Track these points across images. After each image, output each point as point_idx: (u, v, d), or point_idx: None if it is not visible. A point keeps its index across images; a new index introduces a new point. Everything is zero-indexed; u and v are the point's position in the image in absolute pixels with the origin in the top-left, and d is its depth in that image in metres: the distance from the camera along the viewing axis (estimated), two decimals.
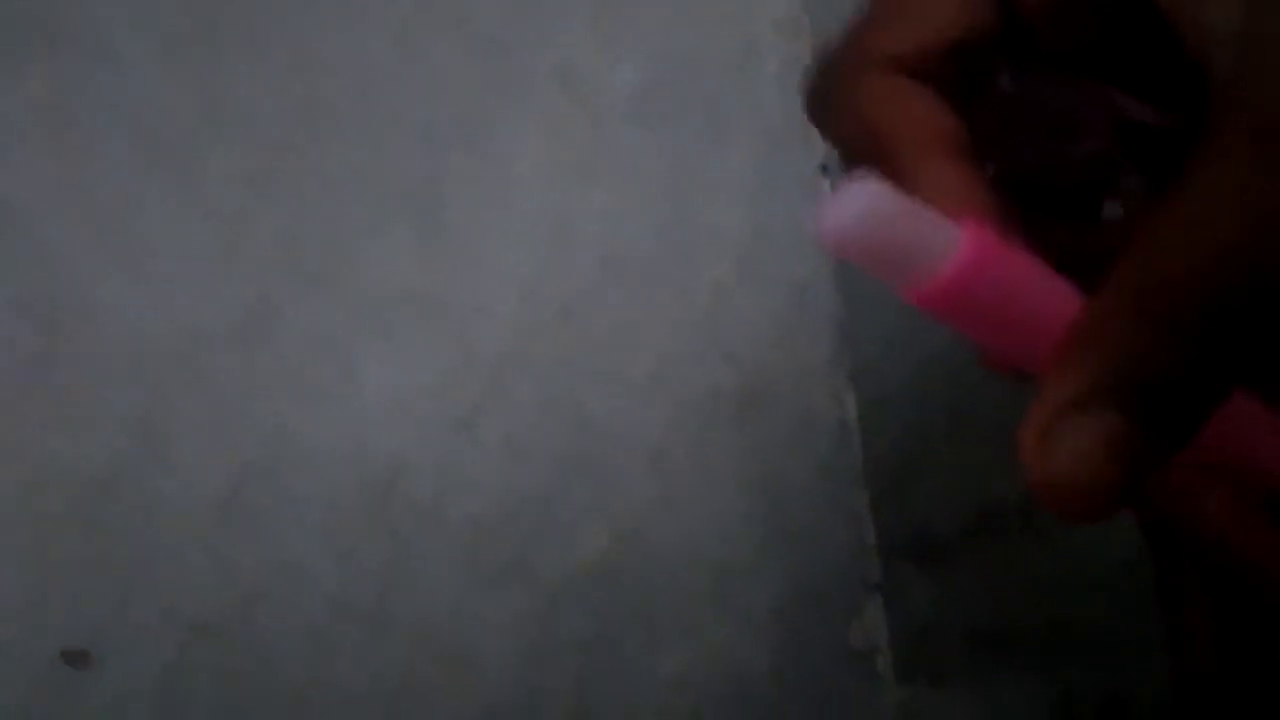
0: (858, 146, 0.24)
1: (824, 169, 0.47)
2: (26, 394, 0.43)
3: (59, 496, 0.43)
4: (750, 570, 0.44)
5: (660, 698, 0.44)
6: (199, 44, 0.46)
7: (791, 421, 0.46)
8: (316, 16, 0.46)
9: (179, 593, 0.42)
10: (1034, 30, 0.24)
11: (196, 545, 0.43)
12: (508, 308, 0.45)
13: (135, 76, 0.45)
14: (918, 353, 0.46)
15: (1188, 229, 0.19)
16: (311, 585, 0.43)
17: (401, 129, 0.46)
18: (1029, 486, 0.20)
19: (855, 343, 0.46)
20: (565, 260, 0.46)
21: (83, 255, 0.44)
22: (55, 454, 0.43)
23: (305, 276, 0.45)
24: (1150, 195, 0.26)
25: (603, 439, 0.45)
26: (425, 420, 0.44)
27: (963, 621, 0.44)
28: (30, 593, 0.42)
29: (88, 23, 0.46)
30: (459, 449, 0.44)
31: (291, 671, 0.42)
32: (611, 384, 0.45)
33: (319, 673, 0.43)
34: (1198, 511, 0.22)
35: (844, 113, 0.25)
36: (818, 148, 0.47)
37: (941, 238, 0.20)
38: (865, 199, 0.20)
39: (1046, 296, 0.22)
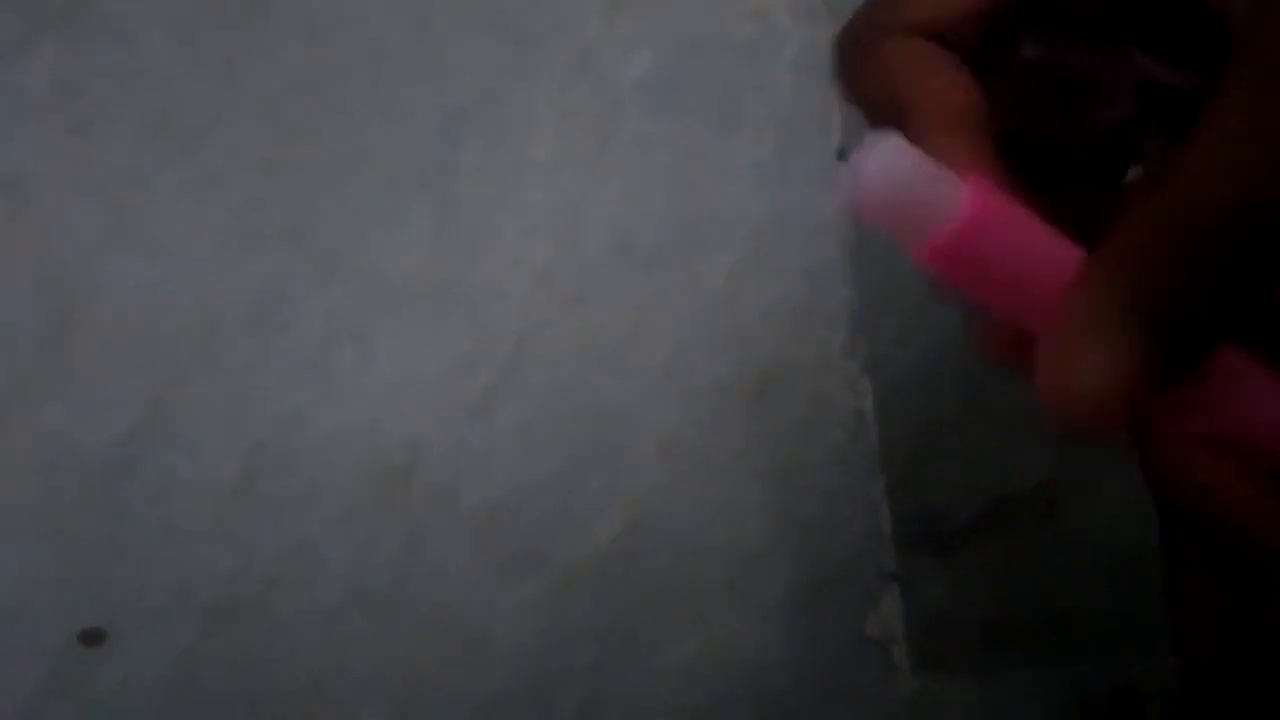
0: (879, 111, 0.25)
1: (840, 155, 0.47)
2: (41, 376, 0.43)
3: (74, 478, 0.43)
4: (764, 558, 0.44)
5: (673, 685, 0.44)
6: (213, 24, 0.46)
7: (806, 410, 0.45)
8: None
9: (194, 575, 0.42)
10: None
11: (212, 528, 0.43)
12: (522, 293, 0.45)
13: (149, 57, 0.45)
14: (934, 341, 0.46)
15: (1211, 159, 0.19)
16: (326, 569, 0.43)
17: (416, 113, 0.46)
18: (1039, 396, 0.21)
19: (871, 331, 0.46)
20: (579, 246, 0.46)
21: (96, 236, 0.44)
22: (70, 436, 0.43)
23: (319, 260, 0.45)
24: None
25: (616, 426, 0.45)
26: (439, 406, 0.44)
27: (978, 612, 0.44)
28: (47, 574, 0.42)
29: (101, 2, 0.46)
30: (473, 435, 0.44)
31: (306, 655, 0.42)
32: (625, 371, 0.45)
33: (333, 656, 0.43)
34: (1206, 483, 0.22)
35: (867, 77, 0.25)
36: (834, 134, 0.47)
37: (953, 198, 0.21)
38: (890, 156, 0.20)
39: (1050, 254, 0.22)
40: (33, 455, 0.43)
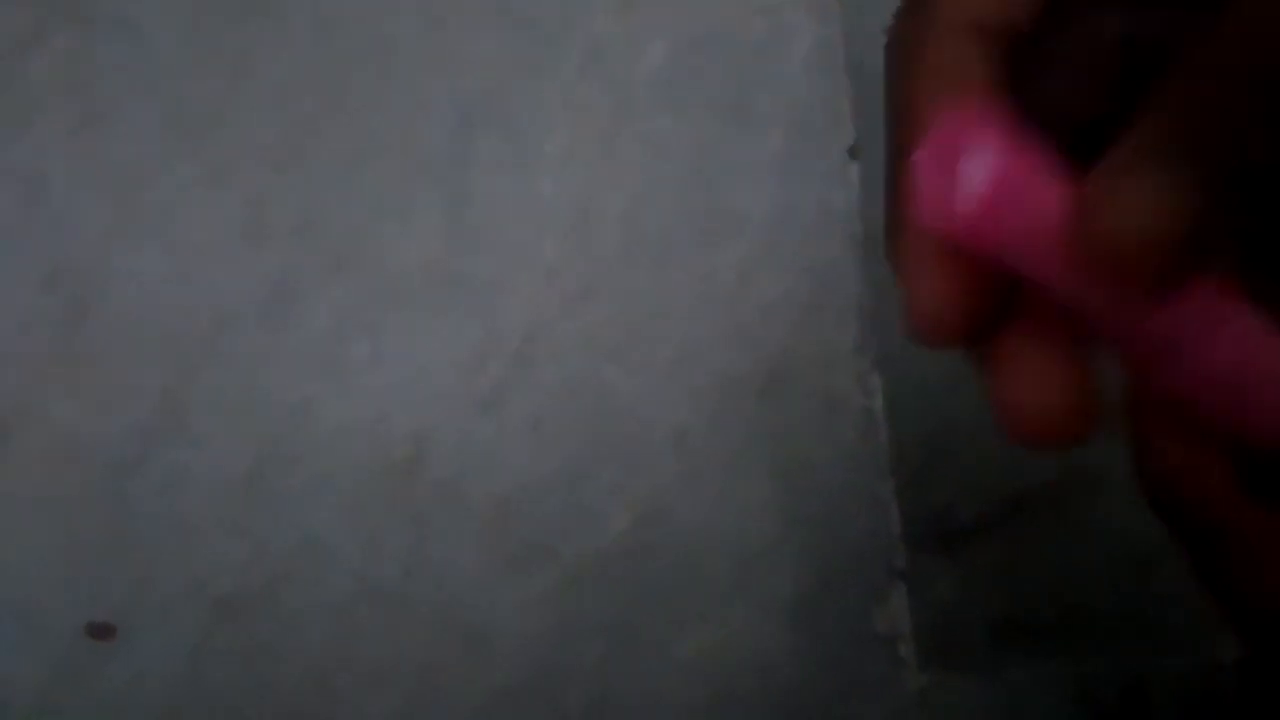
0: (901, 110, 0.24)
1: (851, 152, 0.47)
2: (50, 368, 0.43)
3: (84, 471, 0.43)
4: (773, 554, 0.44)
5: (681, 681, 0.44)
6: (223, 16, 0.46)
7: (816, 406, 0.45)
8: None
9: (204, 569, 0.43)
10: None
11: (221, 522, 0.43)
12: (531, 288, 0.45)
13: (159, 49, 0.46)
14: None
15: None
16: (335, 563, 0.43)
17: (427, 108, 0.46)
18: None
19: (881, 328, 0.46)
20: (589, 241, 0.46)
21: (106, 230, 0.44)
22: (80, 428, 0.43)
23: (329, 254, 0.45)
24: None
25: (625, 421, 0.45)
26: (448, 400, 0.44)
27: (986, 609, 0.44)
28: (56, 567, 0.42)
29: None
30: (482, 429, 0.44)
31: (314, 648, 0.43)
32: (634, 366, 0.45)
33: (341, 650, 0.43)
34: (1191, 486, 0.22)
35: (902, 72, 0.24)
36: (846, 131, 0.47)
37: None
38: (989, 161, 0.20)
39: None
40: (42, 448, 0.43)
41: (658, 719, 0.43)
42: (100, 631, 0.42)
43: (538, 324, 0.45)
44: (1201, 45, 0.19)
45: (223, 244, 0.45)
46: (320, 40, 0.46)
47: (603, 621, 0.44)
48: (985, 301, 0.22)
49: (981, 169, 0.20)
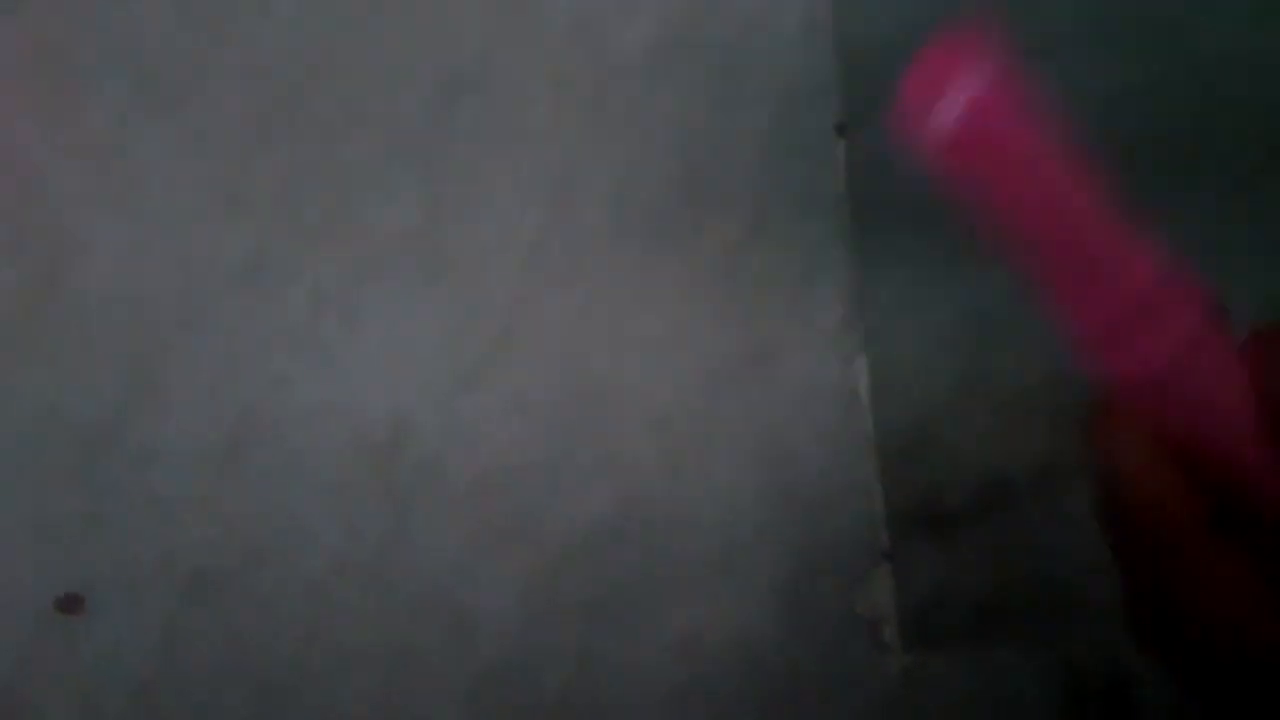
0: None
1: (839, 129, 0.46)
2: (22, 339, 0.42)
3: (53, 444, 0.42)
4: (757, 536, 0.44)
5: (662, 662, 0.43)
6: None
7: (801, 387, 0.45)
8: None
9: (176, 544, 0.42)
10: None
11: (195, 497, 0.42)
12: (515, 263, 0.45)
13: (137, 14, 0.44)
14: (930, 321, 0.45)
15: None
16: (312, 540, 0.42)
17: (409, 77, 0.45)
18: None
19: (867, 309, 0.45)
20: (573, 216, 0.45)
21: (79, 198, 0.43)
22: (52, 400, 0.42)
23: (307, 225, 0.44)
24: None
25: (608, 400, 0.44)
26: (428, 377, 0.44)
27: (970, 592, 0.44)
28: (26, 539, 0.41)
29: None
30: (462, 407, 0.44)
31: (291, 626, 0.42)
32: (618, 344, 0.44)
33: (319, 628, 0.42)
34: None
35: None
36: (834, 107, 0.46)
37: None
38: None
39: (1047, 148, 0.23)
40: (14, 420, 0.42)
41: (638, 700, 0.43)
42: (69, 604, 0.41)
43: (520, 301, 0.44)
44: None
45: (197, 214, 0.44)
46: (301, 8, 0.45)
47: (583, 602, 0.43)
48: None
49: (970, 88, 0.22)
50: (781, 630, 0.43)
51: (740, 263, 0.45)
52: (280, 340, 0.43)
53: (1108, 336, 0.24)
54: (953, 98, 0.22)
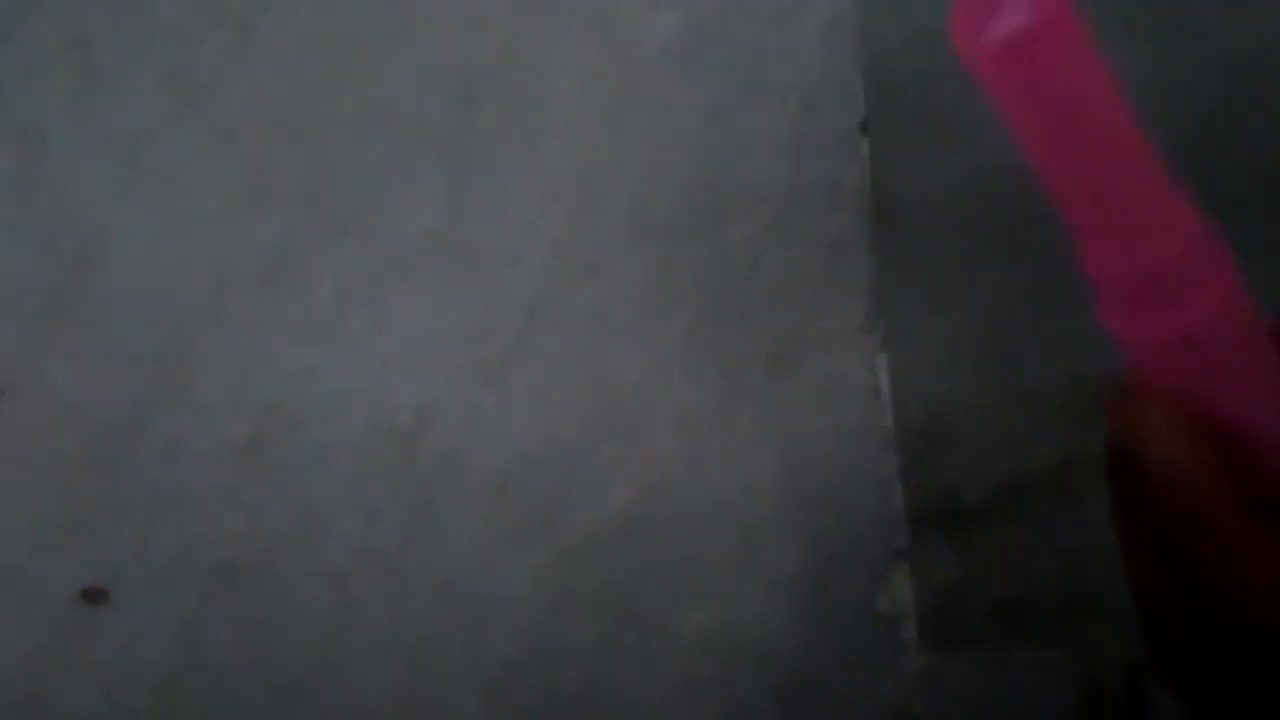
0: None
1: (863, 127, 0.46)
2: (49, 333, 0.43)
3: (81, 435, 0.42)
4: (776, 533, 0.44)
5: (682, 658, 0.43)
6: None
7: (822, 384, 0.45)
8: None
9: (200, 536, 0.42)
10: None
11: (219, 488, 0.42)
12: (538, 259, 0.45)
13: (163, 10, 0.45)
14: (952, 319, 0.45)
15: None
16: (334, 532, 0.43)
17: (434, 73, 0.45)
18: None
19: (889, 307, 0.45)
20: (596, 213, 0.45)
21: (106, 193, 0.44)
22: (78, 392, 0.42)
23: (333, 220, 0.44)
24: None
25: (630, 395, 0.44)
26: (451, 370, 0.44)
27: (989, 591, 0.44)
28: (52, 531, 0.42)
29: None
30: (485, 400, 0.44)
31: (312, 619, 0.42)
32: (640, 340, 0.45)
33: (340, 620, 0.42)
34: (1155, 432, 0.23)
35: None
36: (857, 106, 0.46)
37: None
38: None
39: (1101, 90, 0.22)
40: (40, 413, 0.42)
41: (657, 695, 0.43)
42: (94, 596, 0.42)
43: (543, 295, 0.44)
44: None
45: (225, 209, 0.44)
46: (326, 5, 0.46)
47: (603, 597, 0.43)
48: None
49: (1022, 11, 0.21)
50: (800, 627, 0.43)
51: (762, 260, 0.45)
52: (306, 333, 0.44)
53: (1139, 293, 0.23)
54: (1015, 3, 0.21)
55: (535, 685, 0.43)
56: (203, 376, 0.43)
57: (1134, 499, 0.24)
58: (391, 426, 0.43)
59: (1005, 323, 0.45)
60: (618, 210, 0.45)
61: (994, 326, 0.45)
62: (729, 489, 0.44)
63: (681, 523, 0.44)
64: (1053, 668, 0.43)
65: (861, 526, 0.44)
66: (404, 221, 0.45)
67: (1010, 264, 0.44)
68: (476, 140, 0.45)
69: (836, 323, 0.45)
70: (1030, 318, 0.44)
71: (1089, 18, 0.22)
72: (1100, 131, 0.22)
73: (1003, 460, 0.44)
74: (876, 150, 0.46)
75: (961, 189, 0.45)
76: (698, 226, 0.45)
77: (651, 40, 0.46)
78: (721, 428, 0.44)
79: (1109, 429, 0.24)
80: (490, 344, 0.44)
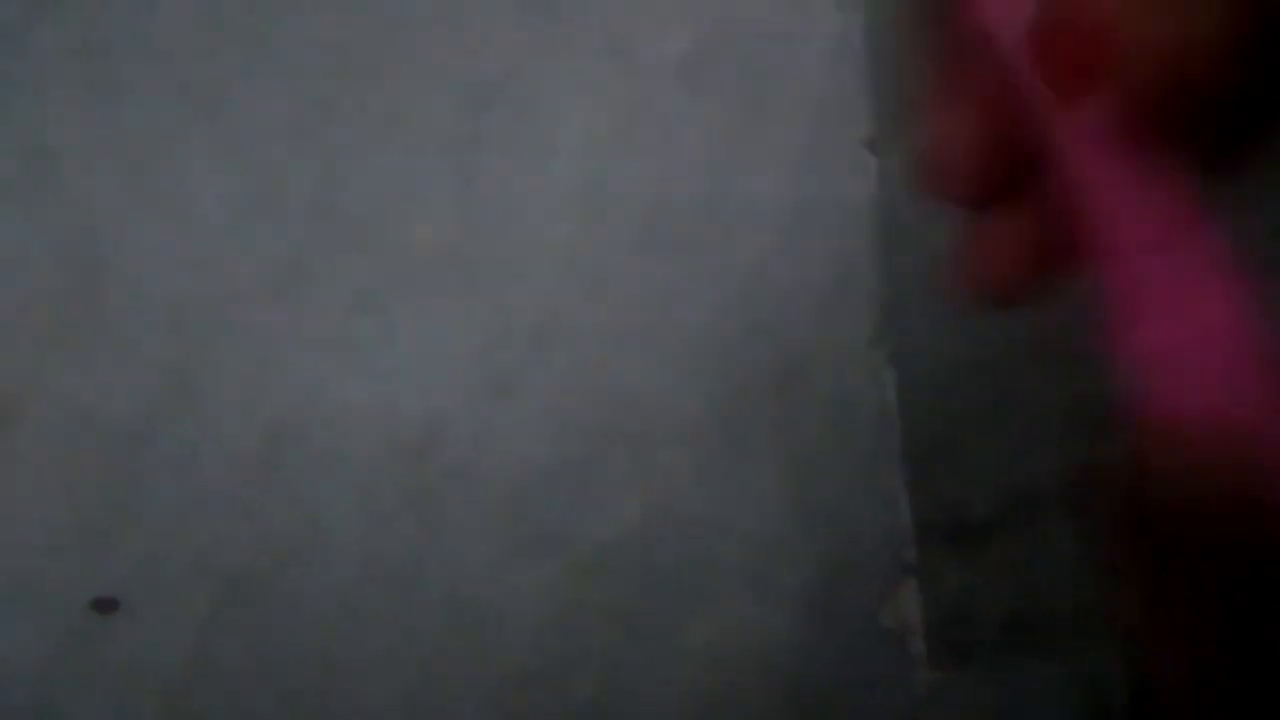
0: None
1: (870, 145, 0.47)
2: (61, 343, 0.43)
3: (91, 445, 0.42)
4: (783, 547, 0.44)
5: (689, 671, 0.43)
6: None
7: (829, 399, 0.45)
8: None
9: (211, 547, 0.42)
10: None
11: (229, 500, 0.43)
12: (546, 274, 0.45)
13: (174, 21, 0.45)
14: (960, 334, 0.45)
15: None
16: (344, 545, 0.43)
17: (444, 87, 0.46)
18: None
19: (897, 322, 0.46)
20: (605, 228, 0.45)
21: (118, 204, 0.44)
22: (88, 402, 0.42)
23: (343, 232, 0.45)
24: None
25: (638, 410, 0.44)
26: (461, 383, 0.44)
27: (997, 606, 0.44)
28: (62, 541, 0.42)
29: None
30: (494, 414, 0.44)
31: (321, 630, 0.42)
32: (648, 354, 0.45)
33: (349, 632, 0.42)
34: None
35: None
36: (864, 122, 0.47)
37: None
38: None
39: None
40: (50, 422, 0.42)
41: (665, 708, 0.43)
42: (104, 606, 0.42)
43: (552, 309, 0.45)
44: None
45: (235, 220, 0.44)
46: (337, 17, 0.46)
47: (612, 610, 0.43)
48: (1001, 160, 0.23)
49: None
50: (807, 641, 0.44)
51: (770, 276, 0.45)
52: (316, 344, 0.44)
53: (1149, 297, 0.21)
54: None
55: (544, 698, 0.43)
56: (213, 388, 0.43)
57: (1174, 549, 0.22)
58: (401, 439, 0.43)
59: (1013, 339, 0.45)
60: (625, 226, 0.45)
61: (1001, 343, 0.45)
62: (737, 503, 0.44)
63: (688, 536, 0.44)
64: (1061, 683, 0.43)
65: (869, 541, 0.44)
66: (414, 234, 0.45)
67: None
68: (488, 154, 0.45)
69: (844, 337, 0.46)
70: (1037, 334, 0.45)
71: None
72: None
73: (1010, 475, 0.45)
74: (884, 167, 0.46)
75: None
76: (706, 242, 0.45)
77: (662, 57, 0.46)
78: (728, 442, 0.44)
79: (1144, 472, 0.22)
80: (500, 357, 0.44)
